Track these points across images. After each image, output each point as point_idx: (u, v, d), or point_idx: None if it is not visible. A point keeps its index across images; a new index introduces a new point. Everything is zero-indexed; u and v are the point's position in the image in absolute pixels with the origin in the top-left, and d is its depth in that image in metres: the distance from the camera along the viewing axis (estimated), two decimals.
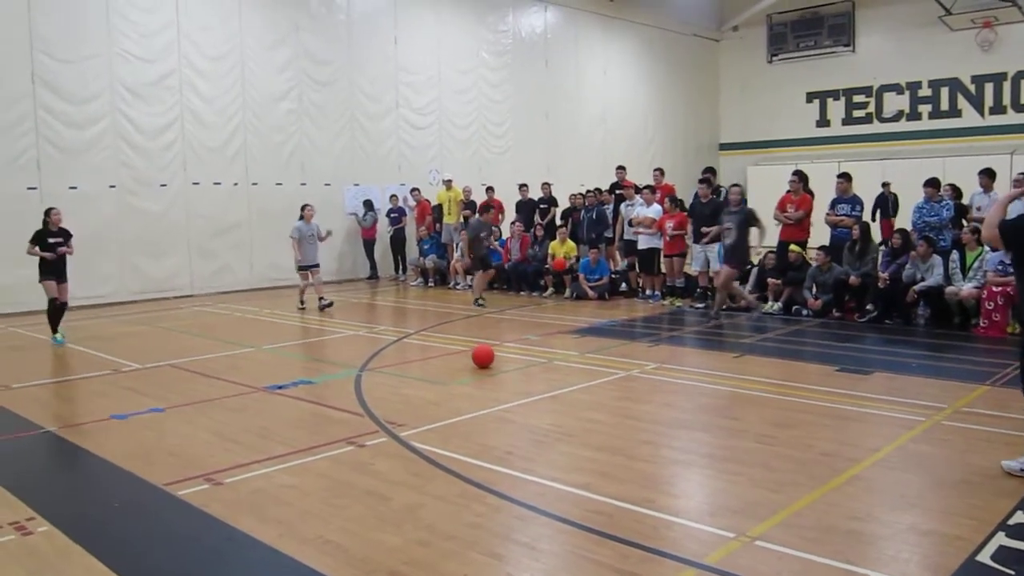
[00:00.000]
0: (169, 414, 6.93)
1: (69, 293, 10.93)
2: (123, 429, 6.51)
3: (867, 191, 13.13)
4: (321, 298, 13.16)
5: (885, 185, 17.91)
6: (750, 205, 11.53)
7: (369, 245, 17.83)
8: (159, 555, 4.23)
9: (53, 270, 10.56)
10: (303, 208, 13.46)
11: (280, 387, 7.77)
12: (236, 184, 15.81)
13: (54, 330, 10.65)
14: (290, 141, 16.58)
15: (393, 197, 17.69)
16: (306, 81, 16.72)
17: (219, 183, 15.57)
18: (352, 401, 7.19)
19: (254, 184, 16.02)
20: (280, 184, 16.34)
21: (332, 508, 4.74)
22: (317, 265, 13.44)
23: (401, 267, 17.93)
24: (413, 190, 17.83)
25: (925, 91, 22.87)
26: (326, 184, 17.16)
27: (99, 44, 13.91)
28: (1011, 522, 4.32)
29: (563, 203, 16.50)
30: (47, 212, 10.81)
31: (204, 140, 15.32)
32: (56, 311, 10.69)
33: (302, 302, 13.44)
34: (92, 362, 9.22)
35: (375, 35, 17.85)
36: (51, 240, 10.55)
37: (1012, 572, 3.78)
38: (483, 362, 8.37)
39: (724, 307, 11.68)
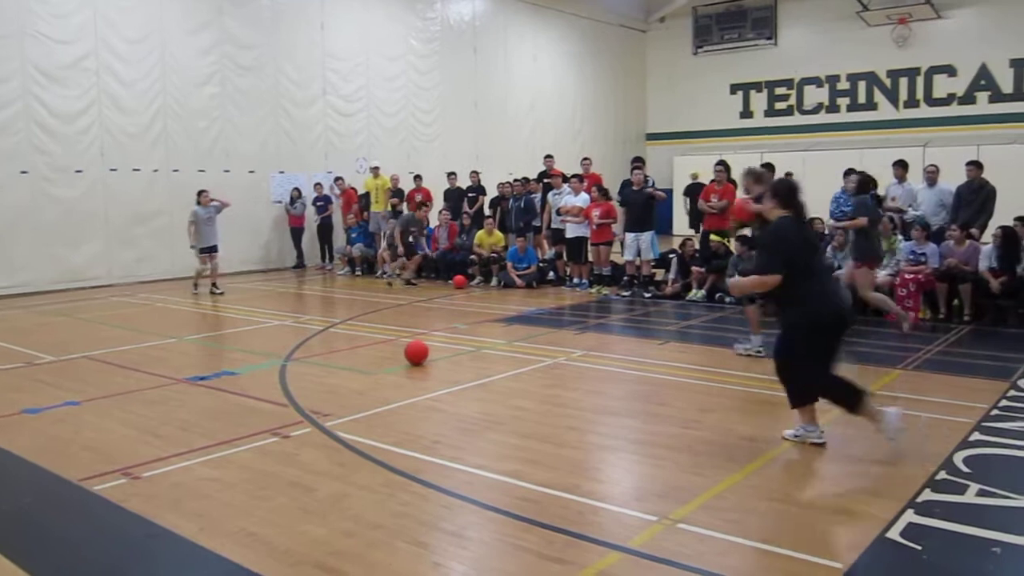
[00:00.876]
0: (85, 407, 6.73)
1: None
2: (36, 424, 6.29)
3: None
4: (214, 284, 13.61)
5: (788, 175, 18.34)
6: (675, 195, 11.68)
7: (297, 233, 17.57)
8: (75, 553, 4.11)
9: None
10: (199, 193, 13.66)
11: (202, 378, 7.60)
12: (156, 171, 15.37)
13: None
14: (213, 127, 16.18)
15: (318, 185, 17.44)
16: (229, 66, 16.33)
17: (138, 169, 15.12)
18: (276, 392, 7.09)
19: (175, 171, 15.60)
20: (203, 171, 15.94)
21: (255, 500, 4.67)
22: (215, 248, 13.69)
23: (328, 256, 17.71)
24: (337, 179, 17.62)
25: (844, 84, 23.50)
26: (250, 171, 16.84)
27: (10, 24, 13.34)
28: (919, 499, 4.50)
29: (491, 192, 16.51)
30: None
31: (123, 125, 14.84)
32: None
33: (196, 286, 13.75)
34: (4, 355, 8.88)
35: (301, 20, 17.53)
36: None
37: (919, 547, 3.94)
38: (417, 359, 8.06)
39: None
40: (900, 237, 10.84)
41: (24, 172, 13.62)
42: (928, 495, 4.57)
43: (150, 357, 8.69)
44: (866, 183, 10.01)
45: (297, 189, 17.32)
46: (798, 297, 5.36)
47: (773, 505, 4.50)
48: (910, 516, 4.28)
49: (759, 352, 8.16)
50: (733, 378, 7.42)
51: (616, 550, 3.97)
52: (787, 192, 5.54)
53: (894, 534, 4.08)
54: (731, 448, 5.49)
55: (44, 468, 5.24)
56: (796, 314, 5.42)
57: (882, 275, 10.48)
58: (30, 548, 4.14)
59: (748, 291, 6.21)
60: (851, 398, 5.35)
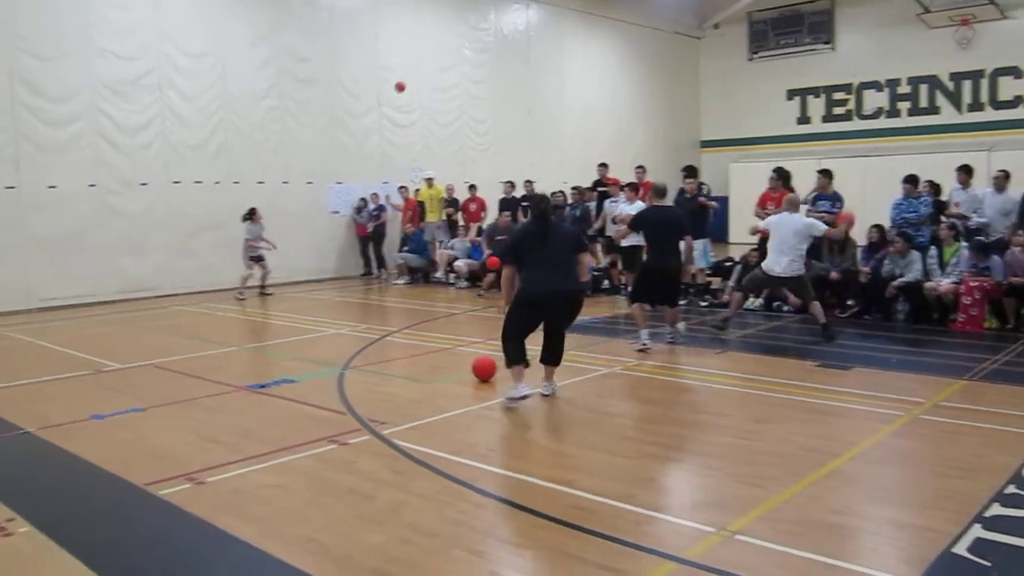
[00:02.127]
0: (150, 414, 6.90)
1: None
2: (103, 429, 6.47)
3: (847, 188, 13.22)
4: (263, 288, 14.97)
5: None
6: (731, 202, 11.61)
7: (364, 242, 17.81)
8: (140, 555, 4.22)
9: None
10: (251, 212, 14.69)
11: (262, 386, 7.74)
12: (217, 182, 15.72)
13: None
14: (272, 139, 16.50)
15: (374, 195, 17.66)
16: (287, 79, 16.65)
17: (200, 181, 15.48)
18: (334, 399, 7.18)
19: (235, 182, 15.94)
20: (262, 182, 16.26)
21: (314, 507, 4.74)
22: (262, 257, 14.75)
23: (380, 264, 17.87)
24: (400, 188, 17.80)
25: (904, 88, 23.03)
26: (308, 182, 17.11)
27: (78, 41, 13.79)
28: (987, 514, 4.38)
29: None
30: None
31: (184, 138, 15.22)
32: None
33: (242, 293, 14.54)
34: (72, 362, 9.16)
35: (357, 32, 17.79)
36: None
37: (988, 564, 3.83)
38: (484, 375, 7.82)
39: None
40: (965, 244, 10.58)
41: (92, 185, 14.04)
42: (996, 509, 4.44)
43: (211, 365, 8.88)
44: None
45: (363, 199, 17.57)
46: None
47: (834, 517, 4.42)
48: (977, 531, 4.17)
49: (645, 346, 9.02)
50: (791, 388, 7.31)
51: (672, 560, 3.94)
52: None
53: (961, 549, 3.98)
54: (789, 459, 5.41)
55: (112, 473, 5.39)
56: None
57: (945, 283, 10.25)
58: (99, 550, 4.26)
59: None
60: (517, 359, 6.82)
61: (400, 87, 16.10)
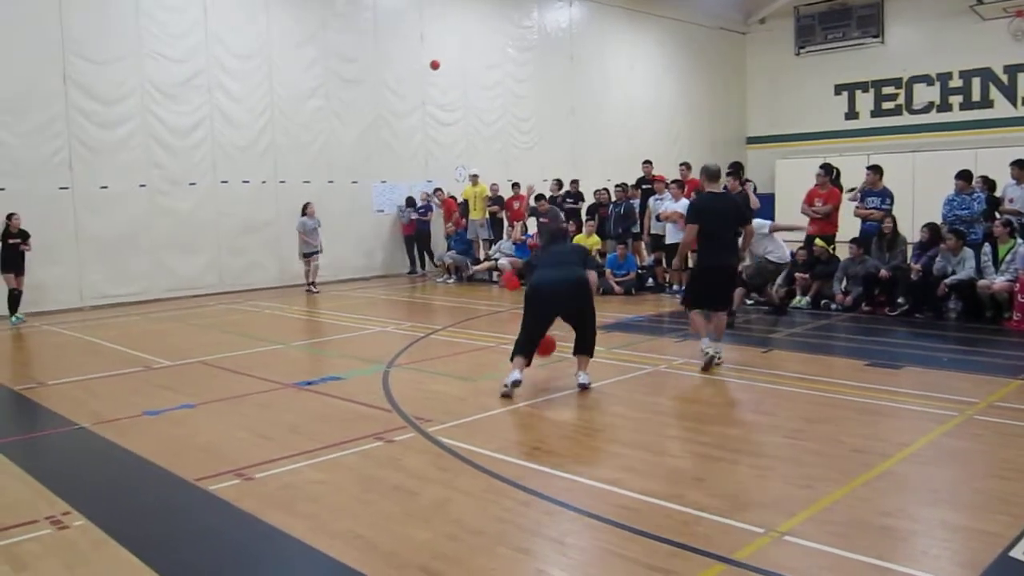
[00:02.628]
0: (200, 410, 7.01)
1: (24, 283, 12.40)
2: (155, 425, 6.60)
3: (897, 184, 12.98)
4: (312, 284, 15.33)
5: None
6: (777, 199, 11.40)
7: (409, 241, 17.95)
8: (192, 549, 4.29)
9: (12, 265, 12.14)
10: (305, 205, 15.30)
11: (309, 383, 7.83)
12: (264, 182, 15.93)
13: (12, 312, 12.22)
14: (318, 139, 16.68)
15: (423, 194, 17.80)
16: (333, 79, 16.82)
17: (248, 181, 15.70)
18: (380, 397, 7.24)
19: (282, 182, 16.14)
20: (308, 182, 16.45)
21: (361, 503, 4.78)
22: (316, 253, 15.33)
23: (422, 263, 18.00)
24: (436, 190, 17.88)
25: (956, 82, 22.53)
26: (353, 181, 17.27)
27: (129, 45, 14.08)
28: None
29: (588, 198, 16.48)
30: (8, 217, 12.16)
31: (233, 139, 15.46)
32: (14, 298, 12.25)
33: (311, 284, 15.36)
34: (124, 359, 9.35)
35: (401, 32, 17.90)
36: (11, 240, 12.13)
37: None
38: (544, 353, 7.72)
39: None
40: (1020, 240, 10.32)
41: (142, 185, 14.32)
42: None
43: (259, 362, 9.00)
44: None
45: (411, 197, 17.72)
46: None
47: (885, 519, 4.34)
48: None
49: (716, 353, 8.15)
50: (840, 387, 7.19)
51: (721, 561, 3.89)
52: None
53: (1018, 553, 3.88)
54: (840, 459, 5.33)
55: (163, 468, 5.49)
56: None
57: (1000, 281, 10.01)
58: (151, 543, 4.34)
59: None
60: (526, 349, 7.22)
61: (435, 65, 16.17)
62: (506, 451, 5.59)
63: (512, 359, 7.22)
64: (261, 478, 5.23)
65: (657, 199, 14.06)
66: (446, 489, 4.94)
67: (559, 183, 17.01)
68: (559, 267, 7.34)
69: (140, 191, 14.32)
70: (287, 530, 4.39)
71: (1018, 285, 9.83)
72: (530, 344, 7.27)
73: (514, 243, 16.16)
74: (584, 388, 7.20)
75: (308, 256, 15.28)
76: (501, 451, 5.59)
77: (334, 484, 5.10)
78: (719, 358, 8.08)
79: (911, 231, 11.80)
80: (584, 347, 7.40)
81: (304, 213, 15.24)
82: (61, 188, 13.43)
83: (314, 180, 16.55)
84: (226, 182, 15.40)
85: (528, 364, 7.26)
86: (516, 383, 7.03)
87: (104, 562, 4.13)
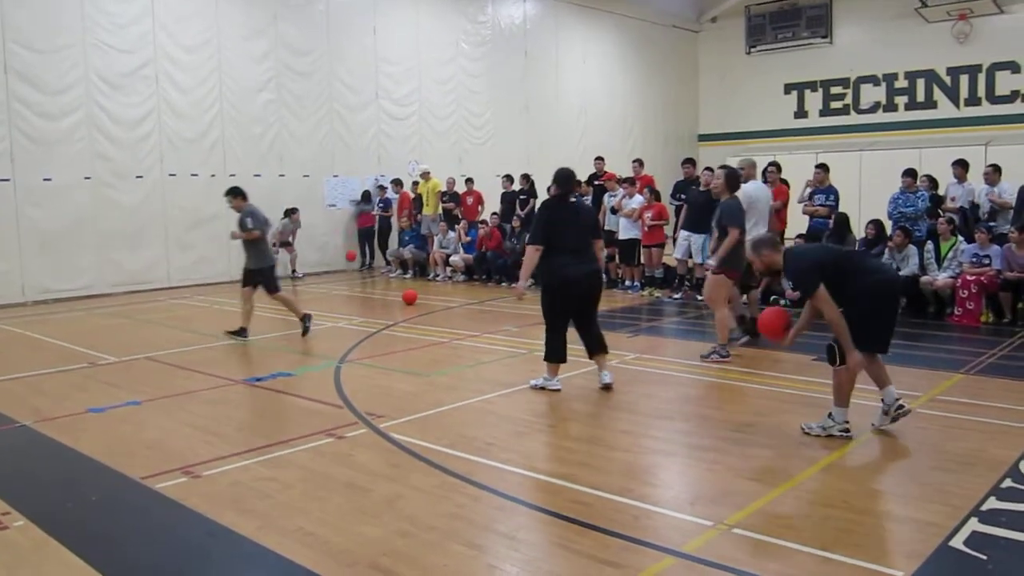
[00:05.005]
0: (146, 407, 6.89)
1: None
2: (100, 423, 6.46)
3: (844, 182, 13.23)
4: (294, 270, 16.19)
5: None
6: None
7: (362, 235, 17.87)
8: (138, 549, 4.21)
9: None
10: (292, 211, 16.08)
11: (258, 379, 7.73)
12: (214, 175, 15.65)
13: None
14: (269, 132, 16.45)
15: (381, 188, 17.76)
16: (284, 72, 16.60)
17: (196, 174, 15.43)
18: (331, 393, 7.17)
19: (232, 175, 15.85)
20: (259, 175, 16.21)
21: (312, 500, 4.73)
22: (290, 242, 16.17)
23: (372, 257, 17.99)
24: (394, 181, 17.80)
25: (901, 83, 22.99)
26: (305, 175, 17.08)
27: (74, 34, 13.73)
28: (984, 508, 4.39)
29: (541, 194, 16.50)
30: None
31: (181, 131, 15.17)
32: None
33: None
34: (68, 355, 9.14)
35: (354, 25, 17.74)
36: None
37: (984, 557, 3.84)
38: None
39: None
40: (961, 238, 10.59)
41: (87, 178, 14.00)
42: (993, 503, 4.45)
43: (208, 358, 8.87)
44: (735, 178, 8.76)
45: (367, 191, 17.73)
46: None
47: (831, 511, 4.43)
48: (974, 524, 4.18)
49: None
50: (788, 381, 7.31)
51: (670, 554, 3.94)
52: (561, 178, 7.16)
53: (957, 543, 3.99)
54: (787, 453, 5.42)
55: (108, 466, 5.38)
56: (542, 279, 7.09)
57: (942, 277, 10.26)
58: (96, 543, 4.26)
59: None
60: (554, 354, 7.02)
61: None
62: (458, 447, 5.59)
63: (547, 361, 7.11)
64: (209, 476, 5.16)
65: (611, 196, 14.14)
66: (398, 485, 4.91)
67: (510, 178, 17.01)
68: (578, 253, 6.90)
69: (85, 184, 13.99)
70: (236, 528, 4.34)
71: (959, 281, 10.08)
72: (564, 345, 7.05)
73: (463, 243, 16.12)
74: (608, 388, 7.05)
75: (284, 245, 15.81)
76: (453, 447, 5.58)
77: (284, 481, 5.05)
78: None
79: (858, 228, 12.02)
80: (601, 344, 7.16)
81: (290, 217, 15.87)
82: (2, 180, 13.06)
83: (265, 174, 16.32)
84: (174, 175, 15.12)
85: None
86: (556, 390, 7.01)
87: (46, 563, 4.04)
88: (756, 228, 8.86)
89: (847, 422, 5.70)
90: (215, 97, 15.61)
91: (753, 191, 9.24)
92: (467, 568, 3.90)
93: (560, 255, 6.86)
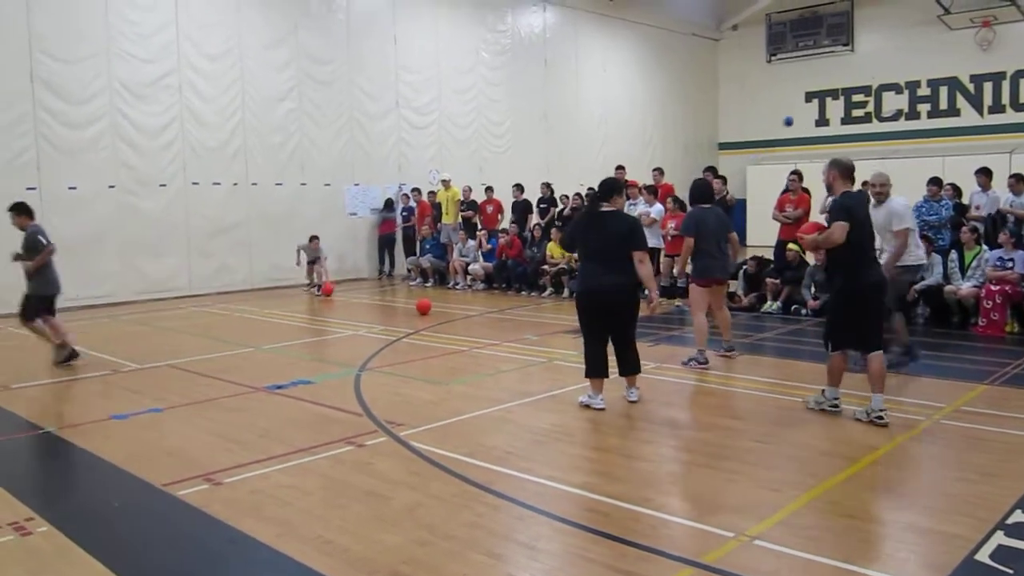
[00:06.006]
0: (168, 414, 6.94)
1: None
2: (122, 429, 6.51)
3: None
4: (317, 287, 15.52)
5: (864, 184, 17.89)
6: (748, 204, 11.43)
7: (384, 242, 17.96)
8: (159, 556, 4.24)
9: None
10: (312, 239, 15.74)
11: (279, 387, 7.77)
12: (236, 184, 15.81)
13: None
14: (290, 141, 16.58)
15: (404, 196, 17.87)
16: (306, 80, 16.73)
17: (219, 183, 15.57)
18: (351, 401, 7.20)
19: (254, 184, 16.02)
20: (280, 184, 16.36)
21: (332, 508, 4.74)
22: (317, 260, 15.73)
23: (392, 265, 18.07)
24: (414, 190, 17.88)
25: (924, 90, 22.86)
26: (326, 184, 17.18)
27: (98, 44, 13.91)
28: (1010, 521, 4.33)
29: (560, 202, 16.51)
30: None
31: (203, 140, 15.32)
32: None
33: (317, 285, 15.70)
34: (91, 362, 9.22)
35: (374, 34, 17.86)
36: None
37: (1011, 571, 3.78)
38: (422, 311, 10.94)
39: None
40: (985, 247, 10.48)
41: (111, 187, 14.15)
42: (1019, 516, 4.39)
43: (229, 366, 8.92)
44: (703, 190, 9.00)
45: (389, 199, 17.94)
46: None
47: (854, 523, 4.39)
48: (1000, 538, 4.12)
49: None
50: (809, 392, 7.23)
51: (690, 565, 3.91)
52: (600, 187, 7.01)
53: (983, 556, 3.93)
54: (809, 463, 5.37)
55: (130, 473, 5.42)
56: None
57: (966, 287, 10.16)
58: (118, 550, 4.29)
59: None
60: (589, 368, 6.80)
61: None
62: (477, 456, 5.58)
63: (587, 376, 6.85)
64: (230, 483, 5.18)
65: (631, 204, 14.10)
66: (417, 494, 4.92)
67: (520, 188, 17.03)
68: (608, 264, 6.64)
69: (109, 192, 14.15)
70: (256, 536, 4.35)
71: (984, 291, 9.98)
72: (601, 358, 6.79)
73: (483, 252, 16.15)
74: (633, 403, 6.93)
75: (312, 263, 15.73)
76: (472, 456, 5.58)
77: (304, 489, 5.06)
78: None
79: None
80: (633, 367, 6.93)
81: (310, 243, 15.71)
82: (28, 189, 13.19)
83: (286, 182, 16.45)
84: (197, 184, 15.25)
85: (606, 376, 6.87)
86: (600, 409, 6.71)
87: (68, 568, 4.07)
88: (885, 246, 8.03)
89: (837, 399, 6.47)
90: (237, 106, 15.75)
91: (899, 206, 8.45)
92: None
93: (590, 264, 6.79)
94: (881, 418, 6.10)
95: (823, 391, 6.58)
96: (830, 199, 12.23)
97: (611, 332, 6.82)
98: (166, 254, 14.94)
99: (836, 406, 6.48)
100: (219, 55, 15.48)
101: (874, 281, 6.29)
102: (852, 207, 6.24)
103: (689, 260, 8.81)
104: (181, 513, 4.75)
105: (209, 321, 12.42)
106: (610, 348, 6.88)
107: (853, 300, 6.27)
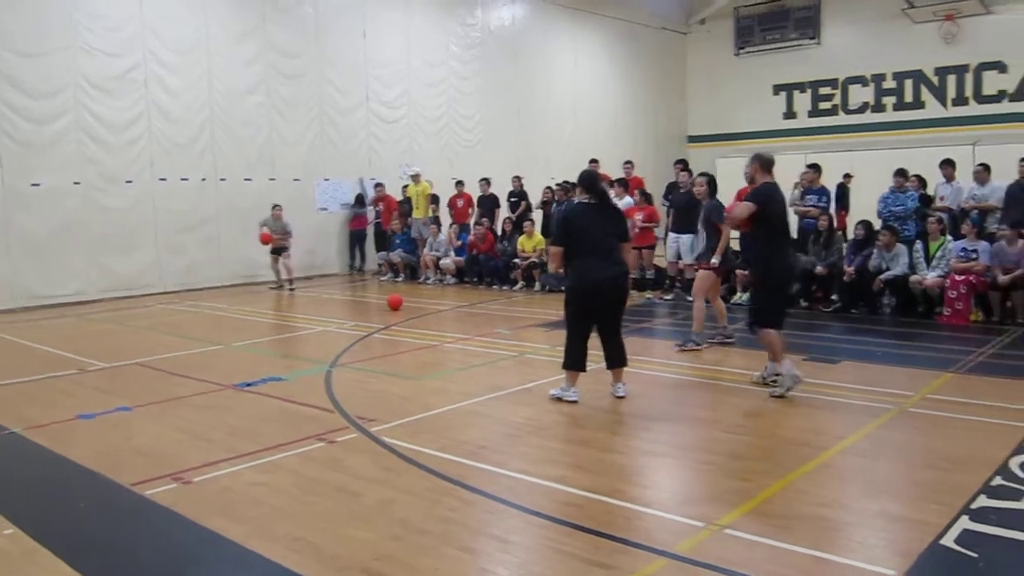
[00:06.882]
0: (137, 413, 6.85)
1: None
2: (90, 429, 6.42)
3: (833, 183, 13.30)
4: (289, 282, 15.19)
5: (847, 177, 18.10)
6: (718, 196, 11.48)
7: (355, 237, 17.85)
8: (127, 556, 4.19)
9: None
10: (273, 207, 15.20)
11: (250, 384, 7.70)
12: (204, 179, 15.63)
13: None
14: (259, 136, 16.41)
15: (378, 187, 17.82)
16: (274, 75, 16.56)
17: (187, 179, 15.38)
18: (322, 397, 7.15)
19: (222, 179, 15.85)
20: (249, 179, 16.20)
21: (303, 505, 4.72)
22: (284, 249, 15.20)
23: (363, 260, 18.00)
24: (377, 186, 17.80)
25: (889, 83, 23.12)
26: (295, 179, 17.04)
27: (62, 38, 13.66)
28: (974, 506, 4.40)
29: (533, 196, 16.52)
30: None
31: (171, 135, 15.11)
32: None
33: (279, 285, 15.27)
34: (58, 361, 9.09)
35: (343, 28, 17.72)
36: None
37: (975, 555, 3.85)
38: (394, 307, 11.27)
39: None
40: (950, 237, 10.63)
41: (76, 183, 13.93)
42: (983, 501, 4.46)
43: (199, 364, 8.84)
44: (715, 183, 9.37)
45: (360, 195, 17.82)
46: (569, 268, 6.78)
47: (823, 511, 4.44)
48: (965, 523, 4.19)
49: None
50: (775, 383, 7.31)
51: (662, 556, 3.93)
52: (586, 181, 6.88)
53: (948, 541, 4.00)
54: (779, 453, 5.43)
55: (98, 473, 5.35)
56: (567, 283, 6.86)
57: (932, 276, 10.30)
58: (85, 551, 4.23)
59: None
60: (570, 361, 6.76)
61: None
62: (450, 450, 5.57)
63: (565, 369, 6.85)
64: (200, 482, 5.13)
65: None
66: (390, 489, 4.90)
67: (487, 182, 17.01)
68: (602, 255, 6.65)
69: (74, 188, 13.92)
70: (226, 534, 4.32)
71: (949, 281, 10.12)
72: (583, 353, 6.81)
73: (453, 247, 16.11)
74: (621, 398, 6.92)
75: (275, 253, 15.19)
76: (445, 450, 5.57)
77: (275, 487, 5.03)
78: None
79: (848, 228, 12.06)
80: (622, 357, 6.94)
81: (272, 213, 15.30)
82: None
83: (255, 177, 16.30)
84: (164, 179, 15.06)
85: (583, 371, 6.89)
86: (573, 402, 6.75)
87: (36, 571, 4.01)
88: None
89: (778, 374, 6.94)
90: (205, 100, 15.56)
91: None
92: (460, 571, 3.89)
93: (583, 258, 6.69)
94: (776, 381, 6.95)
95: (767, 368, 7.21)
96: (797, 191, 12.42)
97: (600, 324, 6.83)
98: (134, 251, 14.74)
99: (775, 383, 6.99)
100: (186, 49, 15.27)
101: (787, 263, 7.27)
102: (769, 195, 6.98)
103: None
104: (150, 513, 4.70)
105: (178, 318, 12.29)
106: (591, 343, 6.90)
107: (771, 280, 7.04)
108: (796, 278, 7.17)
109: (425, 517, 4.46)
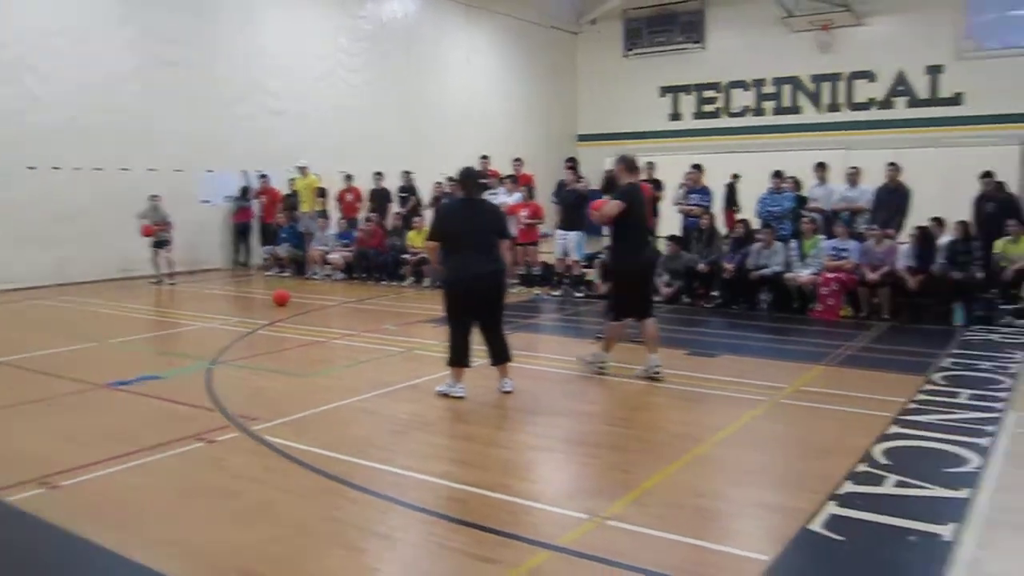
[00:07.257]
0: (1, 415, 6.48)
1: None
2: None
3: (716, 184, 13.72)
4: (168, 275, 14.82)
5: (735, 177, 18.71)
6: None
7: (240, 230, 17.36)
8: None
9: None
10: (151, 198, 14.68)
11: (124, 383, 7.38)
12: (77, 169, 14.87)
13: None
14: (137, 124, 15.70)
15: (263, 178, 17.38)
16: (154, 61, 15.89)
17: (58, 168, 14.61)
18: (202, 396, 6.93)
19: (97, 169, 15.12)
20: (126, 169, 15.50)
21: (179, 508, 4.56)
22: (164, 243, 14.81)
23: (248, 254, 17.57)
24: (262, 176, 17.38)
25: (769, 88, 24.01)
26: (177, 170, 16.40)
27: None
28: (840, 491, 4.62)
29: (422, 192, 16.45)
30: None
31: (43, 121, 14.28)
32: None
33: (158, 280, 14.72)
34: None
35: (228, 15, 17.18)
36: None
37: (842, 538, 4.05)
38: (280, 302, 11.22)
39: None
40: (822, 237, 11.13)
41: None
42: (849, 487, 4.70)
43: (70, 362, 8.42)
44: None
45: (246, 187, 17.30)
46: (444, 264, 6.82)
47: (700, 500, 4.58)
48: (832, 508, 4.40)
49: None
50: (674, 379, 7.50)
51: (546, 548, 3.98)
52: (463, 178, 6.98)
53: (816, 526, 4.19)
54: (659, 445, 5.58)
55: None
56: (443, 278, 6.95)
57: (805, 274, 10.76)
58: None
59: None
60: (453, 357, 6.77)
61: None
62: (335, 448, 5.49)
63: (449, 366, 6.82)
64: (69, 486, 4.89)
65: (491, 193, 14.19)
66: (272, 490, 4.79)
67: (380, 175, 16.86)
68: (479, 251, 6.67)
69: None
70: (98, 541, 4.12)
71: (821, 278, 10.61)
72: (467, 348, 6.79)
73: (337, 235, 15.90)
74: (508, 393, 6.89)
75: (156, 247, 14.72)
76: (330, 448, 5.48)
77: (151, 489, 4.84)
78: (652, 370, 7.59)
79: (726, 228, 12.48)
80: (505, 353, 6.94)
81: (149, 203, 14.77)
82: None
83: (133, 167, 15.61)
84: (34, 168, 14.25)
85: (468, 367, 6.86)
86: (460, 398, 6.71)
87: None
88: None
89: (604, 363, 7.50)
90: (80, 85, 14.79)
91: None
92: (345, 571, 3.83)
93: (459, 254, 6.70)
94: (658, 374, 7.20)
95: (594, 355, 7.65)
96: (682, 190, 12.77)
97: (480, 320, 6.84)
98: (2, 243, 13.87)
99: (604, 370, 7.51)
100: (60, 31, 14.47)
101: (648, 258, 7.74)
102: (632, 193, 7.38)
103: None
104: (13, 520, 4.44)
105: (49, 315, 11.68)
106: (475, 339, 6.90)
107: (632, 275, 7.39)
108: (648, 274, 7.72)
109: (308, 517, 4.38)
